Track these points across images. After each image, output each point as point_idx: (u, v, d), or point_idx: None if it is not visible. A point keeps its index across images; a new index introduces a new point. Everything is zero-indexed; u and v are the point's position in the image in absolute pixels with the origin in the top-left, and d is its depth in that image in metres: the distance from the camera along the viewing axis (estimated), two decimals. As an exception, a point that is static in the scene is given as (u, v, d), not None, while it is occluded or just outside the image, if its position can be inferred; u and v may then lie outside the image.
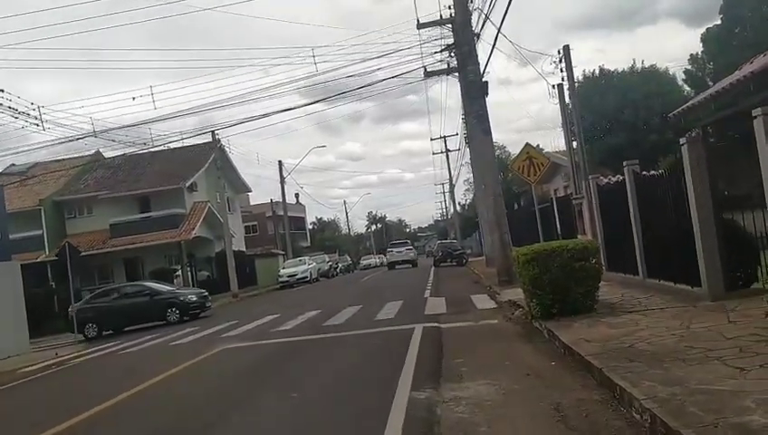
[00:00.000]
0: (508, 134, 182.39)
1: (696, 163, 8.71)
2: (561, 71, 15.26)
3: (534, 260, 9.15)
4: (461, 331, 10.35)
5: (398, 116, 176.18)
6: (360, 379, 7.55)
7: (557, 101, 16.26)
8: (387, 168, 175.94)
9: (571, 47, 15.71)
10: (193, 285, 30.52)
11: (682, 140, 8.89)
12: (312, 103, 34.58)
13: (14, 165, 39.95)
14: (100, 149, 40.33)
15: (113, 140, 23.38)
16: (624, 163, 11.74)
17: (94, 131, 21.87)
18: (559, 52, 15.24)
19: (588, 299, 9.18)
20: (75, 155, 37.86)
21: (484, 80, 17.75)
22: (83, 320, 20.97)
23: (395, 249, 45.35)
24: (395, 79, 25.31)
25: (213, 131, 32.17)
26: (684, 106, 11.75)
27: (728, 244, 8.65)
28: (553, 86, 16.06)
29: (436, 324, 11.13)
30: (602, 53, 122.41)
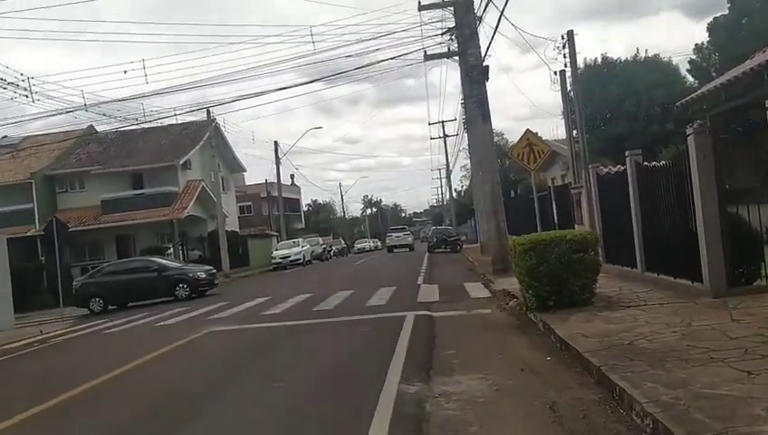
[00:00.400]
0: (507, 122, 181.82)
1: (703, 155, 8.41)
2: (565, 57, 14.93)
3: (532, 250, 8.87)
4: (453, 320, 10.09)
5: (396, 100, 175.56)
6: (347, 369, 7.27)
7: (559, 87, 15.90)
8: (384, 152, 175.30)
9: (569, 41, 15.31)
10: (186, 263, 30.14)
11: (689, 131, 8.58)
12: (308, 83, 34.06)
13: (6, 137, 39.44)
14: (93, 124, 39.93)
15: (104, 114, 22.91)
16: (626, 153, 11.43)
17: (85, 105, 21.41)
18: (563, 37, 14.90)
19: (585, 292, 8.91)
20: (68, 129, 37.46)
21: (485, 64, 17.35)
22: (89, 294, 20.79)
23: (394, 234, 48.69)
24: (394, 61, 24.88)
25: (208, 109, 31.73)
26: (692, 95, 11.42)
27: (732, 239, 8.37)
28: (555, 72, 15.77)
29: (428, 313, 10.87)
30: (603, 43, 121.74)
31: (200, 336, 10.51)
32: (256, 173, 68.72)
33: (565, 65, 14.99)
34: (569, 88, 16.56)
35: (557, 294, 8.80)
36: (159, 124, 37.09)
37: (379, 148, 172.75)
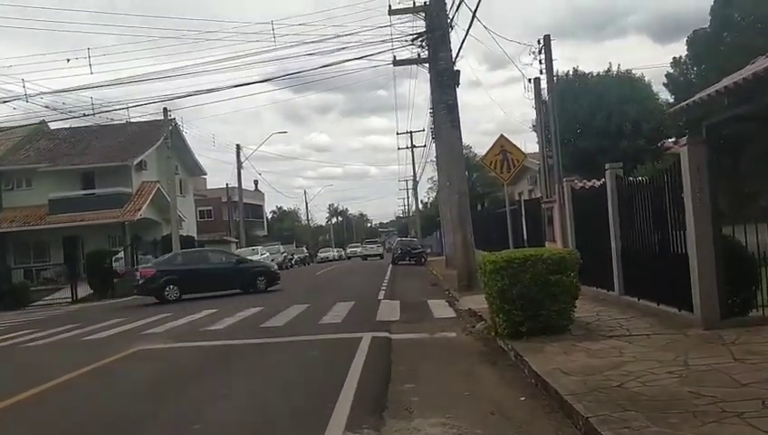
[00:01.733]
0: (475, 136, 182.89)
1: (697, 169, 7.52)
2: (540, 62, 14.06)
3: (504, 269, 7.86)
4: (414, 344, 9.02)
5: (366, 110, 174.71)
6: (283, 409, 6.10)
7: (532, 96, 15.04)
8: (352, 161, 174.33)
9: (545, 46, 14.45)
10: (134, 270, 28.50)
11: (683, 141, 7.70)
12: (267, 81, 32.51)
13: (-51, 129, 37.26)
14: (44, 120, 38.06)
15: (47, 107, 21.21)
16: (606, 166, 10.57)
17: (26, 95, 19.82)
18: (539, 42, 14.05)
19: (562, 318, 7.93)
20: (15, 124, 35.55)
21: (456, 69, 16.43)
22: (165, 281, 20.13)
23: (368, 245, 64.07)
24: (362, 67, 23.92)
25: (165, 108, 30.23)
26: (687, 101, 10.62)
27: (726, 263, 7.49)
28: (530, 80, 14.90)
29: (386, 334, 9.79)
30: (573, 62, 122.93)
31: (122, 357, 9.22)
32: (221, 178, 66.79)
33: (541, 71, 14.15)
34: (543, 97, 15.74)
35: (531, 319, 7.80)
36: (115, 122, 35.48)
37: (347, 157, 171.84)
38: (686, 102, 10.63)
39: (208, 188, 62.17)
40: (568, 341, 7.46)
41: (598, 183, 13.48)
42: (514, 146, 12.84)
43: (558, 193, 13.46)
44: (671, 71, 23.95)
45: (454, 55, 16.39)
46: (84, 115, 21.53)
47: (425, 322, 11.17)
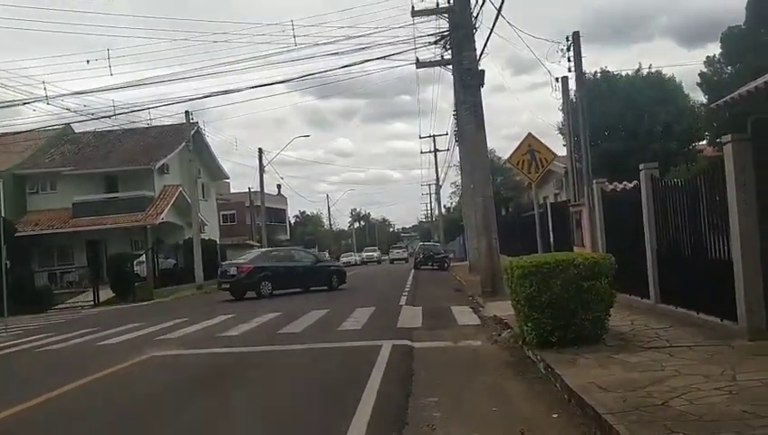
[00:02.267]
0: (499, 141, 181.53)
1: (742, 167, 6.97)
2: (569, 60, 13.52)
3: (533, 275, 7.37)
4: (437, 354, 8.57)
5: (390, 115, 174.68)
6: (296, 422, 5.70)
7: (560, 96, 14.50)
8: (375, 165, 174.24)
9: (574, 44, 13.87)
10: (155, 274, 28.45)
11: (725, 138, 7.16)
12: (287, 81, 31.83)
13: (-23, 133, 37.66)
14: (69, 124, 38.32)
15: (68, 109, 21.12)
16: (641, 166, 10.01)
17: (46, 96, 19.73)
18: (567, 39, 13.52)
19: (596, 327, 7.42)
20: (41, 127, 35.80)
21: (480, 68, 15.94)
22: (261, 277, 21.15)
23: (395, 250, 69.54)
24: (385, 71, 23.52)
25: (187, 111, 30.17)
26: (735, 93, 10.03)
27: (774, 269, 6.93)
28: (557, 79, 14.34)
29: (408, 343, 9.34)
30: (597, 66, 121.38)
31: (134, 364, 8.89)
32: (246, 182, 66.90)
33: (569, 69, 13.61)
34: (571, 97, 15.19)
35: (562, 328, 7.30)
36: (136, 125, 35.59)
37: (370, 161, 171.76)
38: (730, 96, 10.04)
39: (232, 192, 62.34)
40: (603, 352, 6.95)
41: (630, 185, 12.94)
42: (543, 145, 12.28)
43: (587, 196, 12.91)
44: (704, 70, 23.17)
45: (478, 54, 15.89)
46: (105, 117, 21.39)
47: (448, 329, 10.71)
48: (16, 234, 32.08)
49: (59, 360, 10.46)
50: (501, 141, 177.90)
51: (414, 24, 26.43)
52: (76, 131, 39.21)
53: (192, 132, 35.69)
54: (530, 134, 12.32)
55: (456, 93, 26.50)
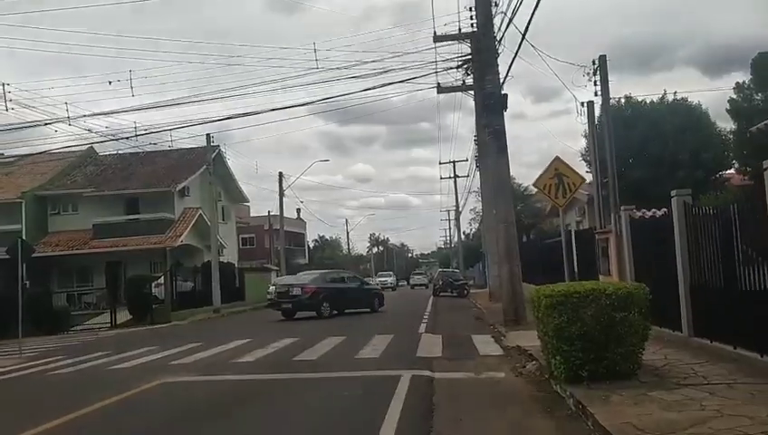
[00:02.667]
0: (518, 168, 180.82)
1: (786, 193, 6.59)
2: (595, 84, 13.20)
3: (561, 305, 6.99)
4: (459, 386, 8.17)
5: (410, 142, 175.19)
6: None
7: (585, 120, 14.15)
8: (394, 191, 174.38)
9: (600, 67, 13.53)
10: (173, 297, 28.28)
11: (766, 163, 6.78)
12: (307, 104, 31.76)
13: (2, 154, 38.15)
14: (92, 146, 38.67)
15: (90, 130, 21.18)
16: (672, 193, 9.62)
17: (68, 117, 19.81)
18: (593, 62, 13.23)
19: (629, 362, 7.00)
20: (65, 149, 36.14)
21: (503, 92, 15.67)
22: (322, 299, 21.96)
23: (416, 276, 71.98)
24: (405, 88, 23.39)
25: (208, 134, 30.21)
26: None
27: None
28: (582, 104, 14.00)
29: (428, 373, 8.95)
30: (620, 94, 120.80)
31: (143, 391, 8.58)
32: (267, 206, 67.10)
33: (595, 93, 13.28)
34: (595, 121, 14.84)
35: (593, 362, 6.89)
36: (158, 148, 35.79)
37: (389, 187, 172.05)
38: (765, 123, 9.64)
39: (252, 215, 62.48)
40: (637, 389, 6.52)
41: (659, 213, 12.52)
42: (571, 169, 11.90)
43: (614, 223, 12.51)
44: (734, 96, 22.70)
45: (502, 78, 15.64)
46: (126, 138, 21.41)
47: (469, 359, 10.30)
48: (34, 254, 32.27)
49: (66, 385, 10.19)
50: (521, 169, 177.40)
51: (435, 48, 26.36)
52: (99, 154, 39.54)
53: (213, 155, 35.85)
54: (557, 157, 11.94)
55: (478, 118, 26.29)
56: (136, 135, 20.65)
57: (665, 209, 12.01)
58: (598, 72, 13.08)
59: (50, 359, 14.40)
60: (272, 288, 36.66)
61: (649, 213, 12.58)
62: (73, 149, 37.86)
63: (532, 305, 8.37)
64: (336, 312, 22.23)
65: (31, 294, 30.05)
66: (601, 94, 13.10)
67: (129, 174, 36.67)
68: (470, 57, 24.70)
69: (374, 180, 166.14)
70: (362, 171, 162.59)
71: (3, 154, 37.84)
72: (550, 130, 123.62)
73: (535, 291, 7.92)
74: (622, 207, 12.05)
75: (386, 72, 20.08)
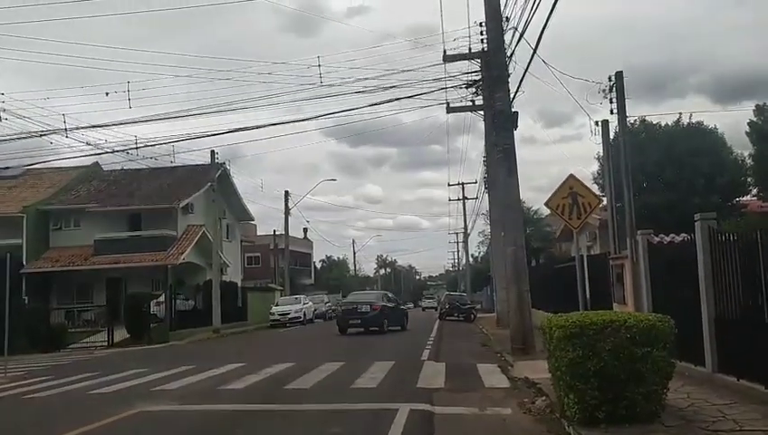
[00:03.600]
0: (527, 192, 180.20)
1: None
2: (611, 102, 12.56)
3: (576, 337, 6.28)
4: (461, 423, 7.44)
5: (419, 164, 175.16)
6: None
7: (599, 140, 13.50)
8: (403, 213, 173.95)
9: (617, 83, 12.90)
10: (172, 316, 27.61)
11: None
12: (310, 119, 30.71)
13: (8, 168, 37.81)
14: (97, 161, 38.35)
15: (89, 144, 20.71)
16: (696, 217, 8.94)
17: (66, 129, 19.34)
18: (610, 79, 12.60)
19: (651, 403, 6.27)
20: (71, 164, 35.82)
21: (513, 110, 15.08)
22: (383, 316, 24.19)
23: (426, 299, 74.96)
24: (416, 108, 22.87)
25: (212, 151, 29.77)
26: None
27: None
28: (597, 123, 13.36)
29: (428, 407, 8.22)
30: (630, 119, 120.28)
31: (117, 420, 7.89)
32: (274, 226, 66.36)
33: (611, 111, 12.63)
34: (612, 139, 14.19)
35: (610, 402, 6.17)
36: (165, 164, 35.44)
37: (398, 208, 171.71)
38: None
39: (259, 234, 61.98)
40: (660, 434, 5.80)
41: (677, 238, 11.80)
42: (586, 188, 11.16)
43: (630, 248, 11.79)
44: (753, 119, 22.00)
45: (512, 95, 15.06)
46: (125, 150, 20.90)
47: (474, 391, 9.56)
48: (31, 270, 31.76)
49: (37, 411, 9.49)
50: (530, 193, 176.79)
51: (445, 70, 25.84)
52: (104, 169, 39.23)
53: (218, 173, 35.40)
54: (572, 176, 11.20)
55: (487, 138, 25.71)
56: (137, 146, 20.07)
57: (684, 235, 11.31)
58: (614, 90, 12.44)
59: (34, 380, 13.75)
60: (274, 309, 36.22)
61: (667, 238, 11.84)
62: (78, 163, 37.70)
63: (542, 335, 7.65)
64: (389, 329, 24.34)
65: (27, 310, 29.63)
66: (617, 112, 12.46)
67: (134, 190, 36.25)
68: (480, 78, 24.33)
69: (384, 202, 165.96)
70: (372, 193, 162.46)
71: (9, 168, 37.56)
72: (564, 152, 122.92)
73: (547, 320, 7.21)
74: (639, 232, 11.33)
75: (394, 87, 19.42)
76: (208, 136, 20.36)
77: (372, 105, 19.25)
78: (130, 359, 17.90)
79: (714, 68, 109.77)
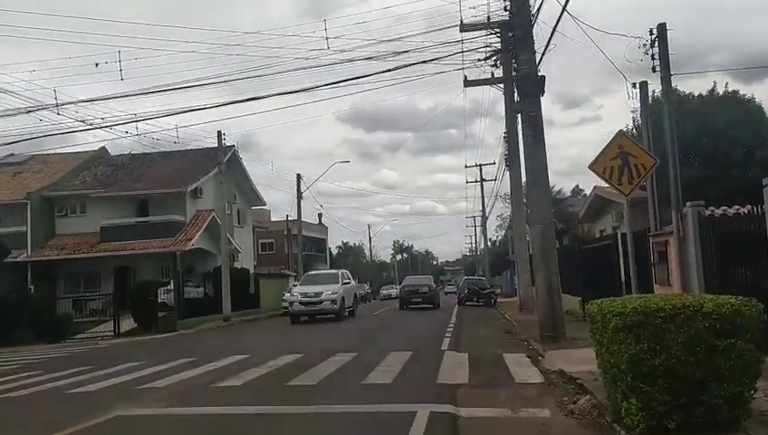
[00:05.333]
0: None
1: None
2: (654, 58, 11.08)
3: (640, 327, 4.99)
4: (492, 430, 6.20)
5: (436, 149, 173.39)
6: None
7: (637, 105, 12.07)
8: (420, 198, 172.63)
9: (659, 38, 11.43)
10: (180, 304, 26.57)
11: None
12: (314, 88, 27.08)
13: (12, 154, 36.97)
14: (104, 146, 37.53)
15: (83, 121, 19.53)
16: (765, 181, 7.57)
17: (56, 105, 18.17)
18: (651, 32, 11.15)
19: (736, 408, 4.97)
20: (77, 150, 34.87)
21: (540, 74, 13.68)
22: (436, 295, 32.64)
23: (448, 285, 77.89)
24: (436, 110, 21.42)
25: (219, 131, 28.57)
26: None
27: None
28: (634, 85, 11.91)
29: (451, 409, 6.97)
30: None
31: (85, 429, 6.71)
32: (289, 213, 64.79)
33: (653, 69, 11.18)
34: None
35: (684, 408, 4.89)
36: (176, 149, 34.35)
37: (415, 194, 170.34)
38: None
39: (273, 220, 60.97)
40: (753, 451, 4.51)
41: (730, 211, 10.42)
42: (639, 147, 9.69)
43: (676, 223, 10.42)
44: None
45: (538, 57, 13.64)
46: (114, 126, 19.62)
47: (503, 388, 8.30)
48: (34, 258, 30.85)
49: (8, 414, 8.34)
50: (551, 176, 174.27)
51: (462, 41, 24.42)
52: (112, 154, 38.32)
53: (227, 156, 34.23)
54: (621, 132, 9.70)
55: (508, 112, 24.30)
56: (136, 120, 18.81)
57: (737, 207, 9.95)
58: (657, 44, 10.98)
59: (24, 374, 12.70)
60: (287, 295, 34.85)
61: (718, 211, 10.47)
62: (86, 148, 36.75)
63: (590, 323, 6.34)
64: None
65: (33, 299, 28.78)
66: (660, 70, 11.01)
67: (141, 174, 35.20)
68: (500, 48, 22.88)
69: (401, 187, 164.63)
70: (388, 178, 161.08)
71: (13, 154, 36.71)
72: (601, 117, 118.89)
73: (596, 306, 5.90)
74: (689, 203, 9.95)
75: (406, 51, 18.04)
76: (211, 108, 18.80)
77: (383, 72, 17.82)
78: (132, 350, 16.87)
79: (733, 47, 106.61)
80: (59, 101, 16.77)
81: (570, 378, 8.53)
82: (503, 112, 27.12)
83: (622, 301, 5.56)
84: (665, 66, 10.84)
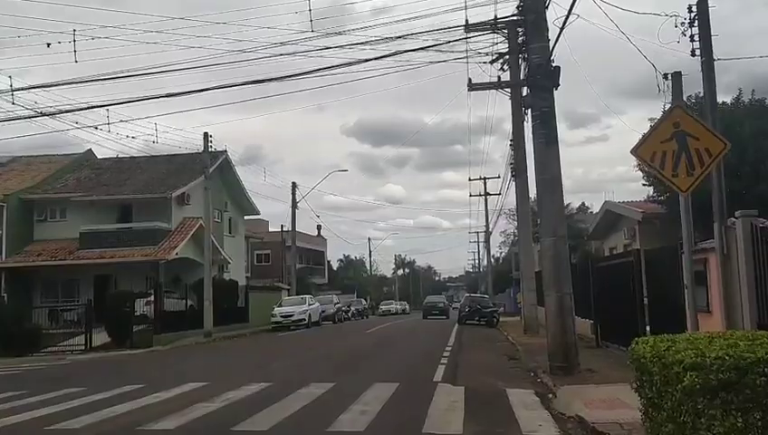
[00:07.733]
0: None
1: None
2: (693, 39, 9.27)
3: (735, 390, 3.11)
4: None
5: (441, 165, 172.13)
6: None
7: (668, 99, 10.20)
8: (424, 213, 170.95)
9: (699, 16, 9.62)
10: (159, 318, 24.68)
11: None
12: (303, 74, 23.53)
13: (-6, 156, 35.34)
14: (90, 148, 35.86)
15: (41, 113, 17.64)
16: None
17: (12, 90, 16.31)
18: (690, 9, 9.33)
19: None
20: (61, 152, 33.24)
21: (554, 66, 11.88)
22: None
23: (454, 302, 71.49)
24: (442, 125, 19.66)
25: (206, 133, 26.81)
26: None
27: None
28: (665, 76, 10.07)
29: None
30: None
31: None
32: (286, 223, 62.98)
33: (692, 53, 9.35)
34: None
35: None
36: (163, 153, 32.72)
37: (419, 208, 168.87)
38: None
39: (270, 231, 59.13)
40: None
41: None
42: (703, 126, 7.49)
43: (720, 238, 8.57)
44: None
45: (551, 45, 11.84)
46: (76, 110, 17.73)
47: (507, 442, 6.40)
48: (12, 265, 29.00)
49: None
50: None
51: (467, 41, 22.65)
52: (98, 157, 36.62)
53: (219, 161, 32.52)
54: (678, 107, 7.42)
55: (515, 117, 22.50)
56: (107, 105, 16.83)
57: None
58: (696, 23, 9.16)
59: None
60: (276, 310, 33.15)
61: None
62: (71, 152, 35.14)
63: (634, 371, 4.45)
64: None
65: (4, 308, 26.94)
66: (701, 54, 9.19)
67: (126, 179, 33.41)
68: (507, 50, 21.27)
69: (405, 202, 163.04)
70: (393, 192, 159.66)
71: (-4, 155, 35.09)
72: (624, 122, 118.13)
73: (650, 347, 4.01)
74: (738, 213, 8.08)
75: (402, 37, 16.28)
76: (196, 92, 16.64)
77: (378, 58, 16.03)
78: (88, 370, 15.11)
79: (743, 67, 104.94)
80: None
81: (593, 431, 6.65)
82: (509, 129, 25.36)
83: (690, 341, 3.69)
84: (706, 50, 9.00)
